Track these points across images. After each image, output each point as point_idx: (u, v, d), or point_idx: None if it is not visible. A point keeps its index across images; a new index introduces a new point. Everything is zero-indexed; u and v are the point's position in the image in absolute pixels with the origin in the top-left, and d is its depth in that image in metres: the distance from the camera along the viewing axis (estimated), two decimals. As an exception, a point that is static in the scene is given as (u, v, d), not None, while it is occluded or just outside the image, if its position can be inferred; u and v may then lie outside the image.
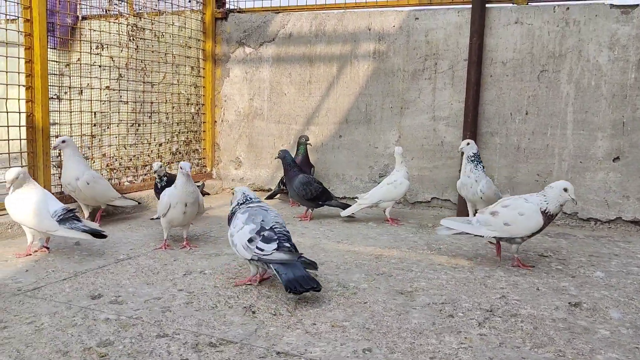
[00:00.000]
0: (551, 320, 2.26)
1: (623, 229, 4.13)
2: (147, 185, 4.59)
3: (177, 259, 3.08)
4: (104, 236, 2.99)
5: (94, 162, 4.32)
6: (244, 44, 5.31)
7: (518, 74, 4.36)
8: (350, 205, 4.26)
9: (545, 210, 2.86)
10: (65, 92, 4.06)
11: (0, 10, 3.94)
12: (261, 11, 5.27)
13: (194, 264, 2.99)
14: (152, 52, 4.84)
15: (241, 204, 2.74)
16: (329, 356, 1.89)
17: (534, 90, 4.33)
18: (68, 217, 2.94)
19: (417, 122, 4.71)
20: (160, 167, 3.84)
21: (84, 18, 4.94)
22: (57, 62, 4.00)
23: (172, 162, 5.11)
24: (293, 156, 4.74)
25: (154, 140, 4.92)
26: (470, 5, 4.36)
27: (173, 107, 5.10)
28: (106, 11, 4.70)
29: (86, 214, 3.82)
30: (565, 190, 2.83)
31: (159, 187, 3.83)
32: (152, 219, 4.07)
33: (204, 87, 5.42)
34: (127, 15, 4.79)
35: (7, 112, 3.59)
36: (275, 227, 2.52)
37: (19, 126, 3.66)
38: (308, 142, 4.74)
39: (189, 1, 5.25)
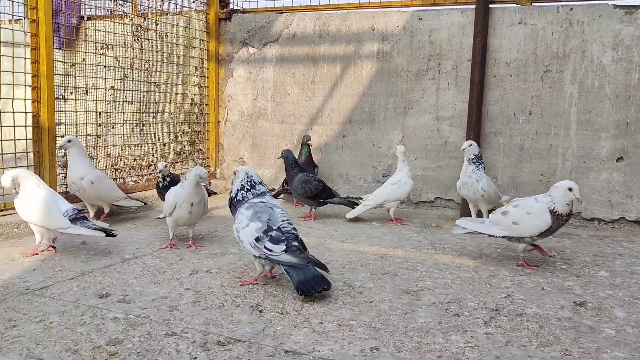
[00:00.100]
0: (557, 320, 2.27)
1: (627, 228, 4.14)
2: (152, 185, 4.60)
3: (183, 258, 3.09)
4: (114, 235, 3.02)
5: (98, 161, 4.34)
6: (247, 44, 5.32)
7: (522, 74, 4.37)
8: (353, 202, 4.28)
9: (553, 210, 2.86)
10: (71, 93, 4.08)
11: (4, 10, 3.95)
12: (265, 11, 5.29)
13: (200, 263, 3.00)
14: (157, 52, 4.86)
15: (246, 190, 2.69)
16: (337, 355, 1.90)
17: (537, 90, 4.34)
18: (79, 217, 2.96)
19: (420, 122, 4.72)
20: (165, 166, 3.85)
21: (88, 18, 4.95)
22: (62, 62, 4.02)
23: (176, 162, 5.12)
24: (297, 156, 4.77)
25: (158, 140, 4.94)
26: (474, 6, 4.37)
27: (177, 107, 5.12)
28: (111, 11, 4.71)
29: (92, 213, 3.84)
30: (570, 189, 2.84)
31: (161, 186, 3.84)
32: (158, 218, 4.08)
33: (207, 87, 5.44)
34: (132, 16, 4.80)
35: (14, 112, 3.60)
36: (283, 227, 2.53)
37: (25, 126, 3.68)
38: (309, 141, 4.75)
39: (193, 1, 5.27)
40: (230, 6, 5.45)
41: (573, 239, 3.77)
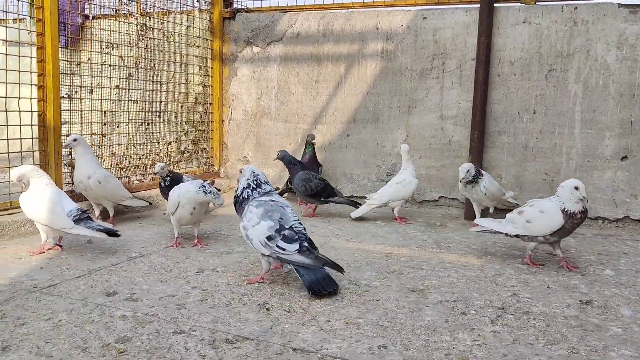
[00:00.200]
0: (563, 318, 2.28)
1: (631, 227, 4.14)
2: (156, 184, 4.58)
3: (189, 256, 3.10)
4: (118, 235, 3.03)
5: (103, 160, 4.35)
6: (251, 44, 5.33)
7: (526, 74, 4.37)
8: (356, 202, 4.29)
9: (564, 209, 2.86)
10: (76, 92, 4.09)
11: (7, 9, 3.96)
12: (269, 11, 5.30)
13: (205, 261, 3.01)
14: (161, 51, 4.87)
15: (252, 189, 2.70)
16: (345, 353, 1.91)
17: (541, 89, 4.34)
18: (83, 218, 2.97)
19: (424, 121, 4.72)
20: (162, 168, 3.78)
21: (93, 17, 4.97)
22: (67, 61, 4.03)
23: (181, 161, 5.14)
24: (301, 155, 4.79)
25: (163, 139, 4.95)
26: (478, 5, 4.37)
27: (181, 106, 5.13)
28: (116, 11, 4.72)
29: (97, 212, 3.85)
30: (576, 188, 2.84)
31: (163, 186, 3.84)
32: (164, 214, 4.09)
33: (211, 86, 5.45)
34: (137, 15, 4.81)
35: (20, 111, 3.61)
36: (295, 226, 2.54)
37: (31, 125, 3.69)
38: (313, 140, 4.75)
39: (197, 1, 5.28)
40: (235, 5, 5.46)
41: (577, 238, 3.77)
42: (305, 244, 2.50)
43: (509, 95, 4.43)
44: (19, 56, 3.62)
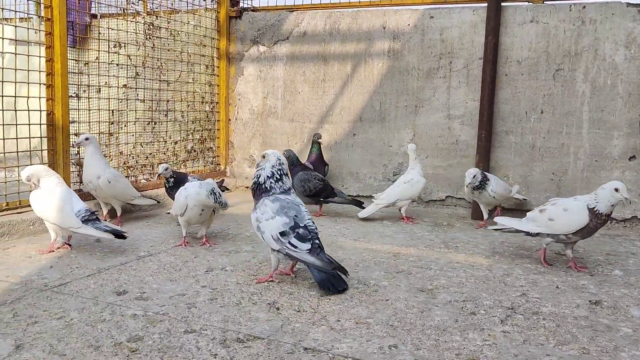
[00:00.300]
0: (573, 318, 2.28)
1: (639, 227, 4.13)
2: (163, 184, 4.61)
3: (198, 255, 3.11)
4: (125, 237, 3.04)
5: (111, 159, 4.36)
6: (258, 43, 5.33)
7: (533, 73, 4.36)
8: (358, 200, 4.29)
9: (594, 208, 2.81)
10: (84, 91, 4.10)
11: (14, 9, 3.98)
12: (275, 10, 5.30)
13: (214, 260, 3.02)
14: (168, 50, 4.88)
15: (276, 179, 2.63)
16: (356, 352, 1.92)
17: (549, 89, 4.33)
18: (92, 219, 2.99)
19: (431, 120, 4.72)
20: (166, 169, 3.80)
21: (101, 16, 4.98)
22: (75, 60, 4.05)
23: (187, 160, 5.15)
24: (307, 154, 4.79)
25: (170, 138, 4.96)
26: (486, 4, 4.37)
27: (188, 106, 5.14)
28: (124, 10, 4.73)
29: (105, 211, 3.86)
30: (617, 190, 2.78)
31: (167, 187, 3.86)
32: (168, 213, 4.09)
33: (218, 85, 5.46)
34: (144, 14, 4.82)
35: (29, 110, 3.62)
36: (309, 225, 2.56)
37: (40, 124, 3.70)
38: (319, 140, 4.75)
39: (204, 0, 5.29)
40: (241, 4, 5.46)
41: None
42: (317, 242, 2.52)
43: (517, 95, 4.42)
44: (28, 55, 3.64)
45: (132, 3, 4.71)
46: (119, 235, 3.02)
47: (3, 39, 3.63)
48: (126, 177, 4.31)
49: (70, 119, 3.86)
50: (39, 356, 1.84)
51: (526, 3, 4.36)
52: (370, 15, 4.88)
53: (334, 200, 4.25)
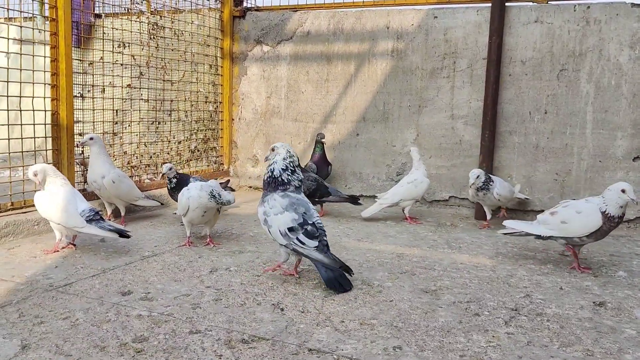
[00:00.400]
0: (577, 320, 2.28)
1: (642, 228, 4.13)
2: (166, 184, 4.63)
3: (202, 256, 3.12)
4: (129, 236, 3.05)
5: (115, 159, 4.37)
6: (261, 42, 5.34)
7: (537, 73, 4.35)
8: (355, 197, 4.28)
9: (605, 211, 2.81)
10: (88, 90, 4.11)
11: (14, 9, 3.98)
12: (279, 9, 5.30)
13: (218, 261, 3.03)
14: (172, 50, 4.89)
15: (290, 172, 2.62)
16: (361, 353, 1.92)
17: (553, 89, 4.32)
18: (95, 218, 3.00)
19: (435, 120, 4.72)
20: (170, 169, 3.80)
21: (105, 16, 4.99)
22: (80, 60, 4.06)
23: (191, 160, 5.16)
24: (310, 154, 4.79)
25: (173, 138, 4.97)
26: (490, 4, 4.36)
27: (192, 105, 5.15)
28: (128, 10, 4.74)
29: (109, 211, 3.87)
30: (623, 191, 2.78)
31: (169, 188, 3.86)
32: (175, 213, 4.10)
33: (221, 85, 5.46)
34: (147, 14, 4.83)
35: (33, 110, 3.63)
36: (318, 222, 2.59)
37: (44, 124, 3.71)
38: (323, 139, 4.75)
39: (207, -1, 5.30)
40: (245, 4, 5.46)
41: (589, 239, 3.76)
42: (325, 240, 2.54)
43: (520, 95, 4.42)
44: (33, 55, 3.65)
45: (136, 3, 4.72)
46: (123, 234, 3.03)
47: (8, 39, 3.64)
48: (130, 176, 4.33)
49: (75, 118, 3.87)
50: (45, 356, 1.85)
51: (530, 3, 4.35)
52: (374, 15, 4.88)
53: (329, 199, 4.23)
